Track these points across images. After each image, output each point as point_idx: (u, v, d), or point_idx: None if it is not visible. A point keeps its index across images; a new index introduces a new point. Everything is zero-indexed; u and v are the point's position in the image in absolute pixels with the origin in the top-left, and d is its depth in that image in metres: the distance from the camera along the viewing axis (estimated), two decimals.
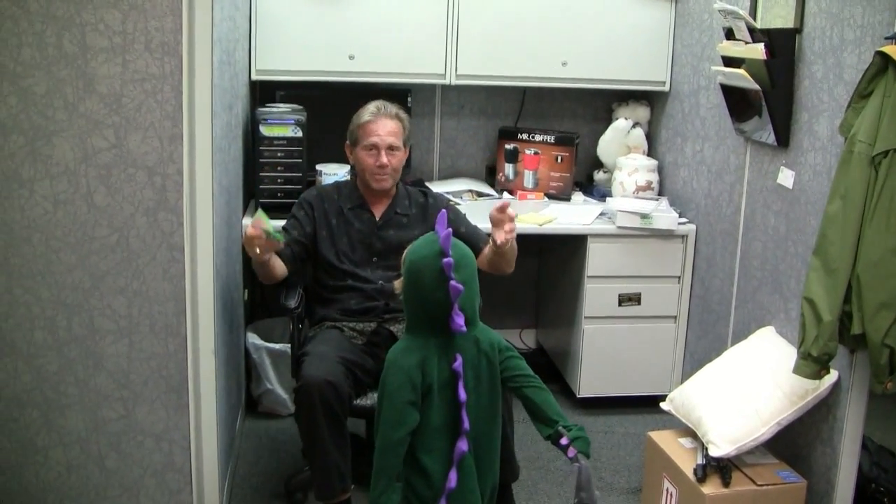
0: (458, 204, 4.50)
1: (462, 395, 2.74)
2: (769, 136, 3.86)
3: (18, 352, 3.09)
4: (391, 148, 3.83)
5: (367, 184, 3.90)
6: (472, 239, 3.86)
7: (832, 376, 3.45)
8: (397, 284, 2.89)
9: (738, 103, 4.09)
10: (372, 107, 3.89)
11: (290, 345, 3.89)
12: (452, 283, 2.66)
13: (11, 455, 3.17)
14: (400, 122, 3.89)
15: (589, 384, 4.83)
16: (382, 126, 3.83)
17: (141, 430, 3.22)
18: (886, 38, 3.11)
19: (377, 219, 3.93)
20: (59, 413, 3.16)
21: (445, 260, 2.67)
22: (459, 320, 2.69)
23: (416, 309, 2.80)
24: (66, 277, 3.06)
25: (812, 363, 3.26)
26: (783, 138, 3.80)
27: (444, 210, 2.89)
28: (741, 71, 3.87)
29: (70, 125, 2.96)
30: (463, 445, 2.75)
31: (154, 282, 3.10)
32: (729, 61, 4.06)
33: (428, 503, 2.79)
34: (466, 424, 2.75)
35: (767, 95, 3.78)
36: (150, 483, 3.28)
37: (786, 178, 3.80)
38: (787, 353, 3.58)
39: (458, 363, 2.74)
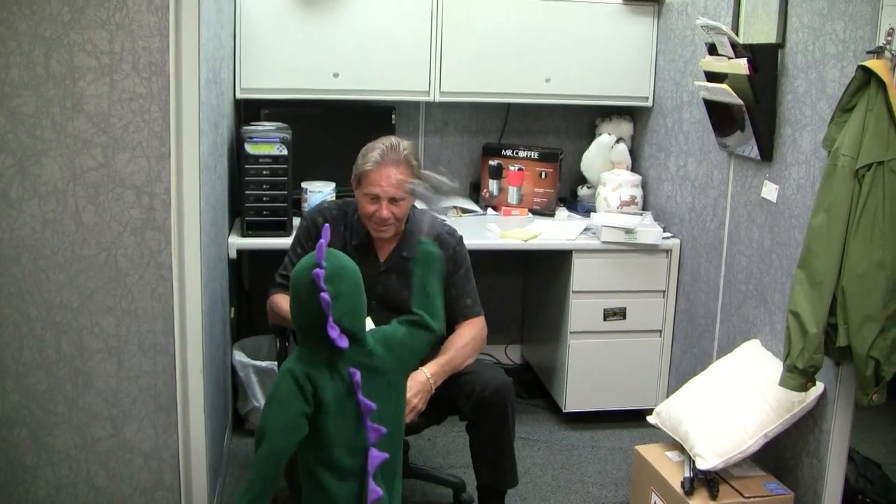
0: (443, 220, 4.46)
1: (366, 404, 2.68)
2: (752, 151, 3.89)
3: (7, 371, 3.08)
4: (393, 199, 3.52)
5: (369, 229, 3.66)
6: (452, 306, 3.65)
7: (818, 388, 3.47)
8: None
9: (721, 118, 4.12)
10: (377, 153, 3.53)
11: (276, 363, 3.89)
12: (322, 294, 2.61)
13: (0, 474, 3.16)
14: (408, 167, 3.53)
15: (575, 399, 4.84)
16: (386, 177, 3.50)
17: (130, 448, 3.22)
18: (868, 53, 3.14)
19: (381, 262, 3.69)
20: (47, 432, 3.16)
21: (315, 270, 2.62)
22: (333, 333, 2.62)
23: (298, 320, 2.73)
24: (55, 296, 3.06)
25: (798, 375, 3.28)
26: (767, 152, 3.83)
27: (326, 225, 2.82)
28: (724, 86, 3.90)
29: (58, 145, 2.96)
30: (376, 456, 2.71)
31: (142, 300, 3.11)
32: (712, 76, 4.10)
33: None
34: (381, 431, 2.71)
35: (751, 110, 3.81)
36: (140, 502, 3.27)
37: (770, 191, 3.82)
38: (773, 366, 3.61)
39: (357, 376, 2.68)
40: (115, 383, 3.16)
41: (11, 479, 3.18)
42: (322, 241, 2.64)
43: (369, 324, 2.99)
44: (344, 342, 2.64)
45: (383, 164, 3.50)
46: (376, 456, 2.71)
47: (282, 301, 3.57)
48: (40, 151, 2.96)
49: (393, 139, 3.61)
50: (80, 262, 3.05)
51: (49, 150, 2.96)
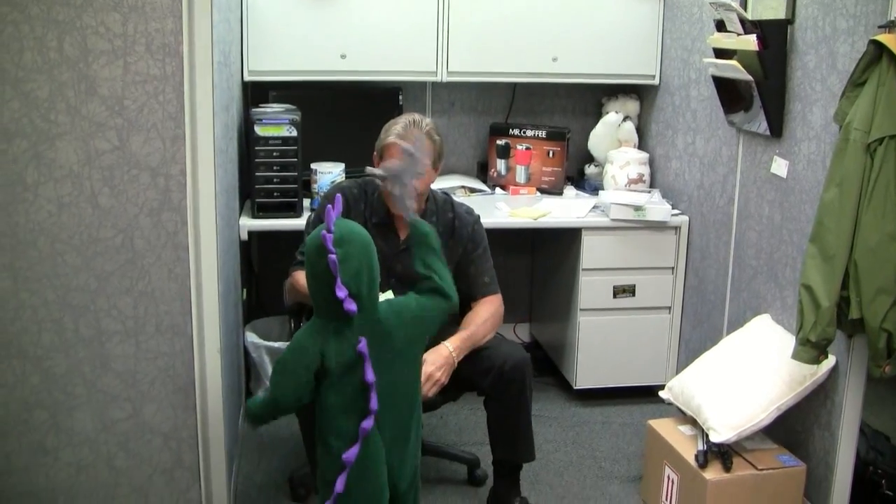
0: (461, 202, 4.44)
1: (370, 376, 2.72)
2: (762, 127, 3.90)
3: (26, 354, 3.10)
4: None
5: (389, 205, 3.64)
6: (471, 283, 3.75)
7: (830, 361, 3.50)
8: None
9: (729, 95, 4.13)
10: (399, 126, 3.58)
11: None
12: (330, 255, 2.65)
13: (21, 456, 3.18)
14: (430, 143, 3.58)
15: (585, 376, 4.87)
16: None
17: (149, 429, 3.24)
18: (880, 27, 3.14)
19: (401, 241, 3.70)
20: (67, 414, 3.18)
21: (323, 233, 2.67)
22: (341, 294, 2.65)
23: (311, 287, 2.78)
24: (72, 279, 3.07)
25: (810, 349, 3.30)
26: (776, 128, 3.84)
27: (338, 194, 2.89)
28: (733, 62, 3.90)
29: (73, 128, 2.97)
30: (367, 424, 2.73)
31: (159, 282, 3.12)
32: (720, 53, 4.10)
33: (332, 480, 2.80)
34: (374, 405, 2.73)
35: (760, 86, 3.82)
36: (159, 481, 3.29)
37: (779, 167, 3.84)
38: (785, 340, 3.63)
39: (363, 345, 2.71)
40: (133, 364, 3.17)
41: (32, 462, 3.20)
42: (330, 206, 2.69)
43: (389, 298, 3.03)
44: (352, 305, 2.68)
45: (405, 137, 3.51)
46: (365, 427, 2.73)
47: (301, 278, 3.58)
48: (55, 135, 2.97)
49: (416, 115, 3.65)
50: (96, 244, 3.06)
51: (64, 134, 2.97)
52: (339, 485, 2.76)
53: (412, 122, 3.58)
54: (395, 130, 3.56)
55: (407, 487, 2.91)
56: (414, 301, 2.90)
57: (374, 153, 3.64)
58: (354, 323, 2.73)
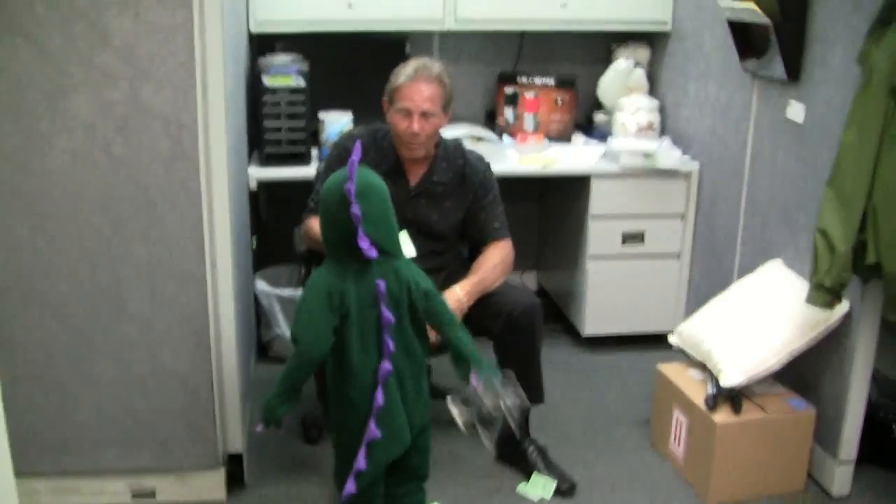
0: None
1: (387, 315, 2.79)
2: (778, 72, 3.86)
3: (44, 302, 3.15)
4: (425, 114, 3.54)
5: (397, 144, 3.67)
6: (482, 228, 3.79)
7: (844, 306, 3.50)
8: None
9: (745, 39, 4.10)
10: (410, 68, 3.57)
11: (300, 290, 3.93)
12: (353, 209, 2.70)
13: (44, 400, 3.26)
14: (440, 86, 3.57)
15: (594, 323, 4.89)
16: (418, 90, 3.52)
17: (166, 372, 3.30)
18: None
19: (412, 186, 3.72)
20: (86, 360, 3.24)
21: (346, 185, 2.71)
22: (364, 244, 2.72)
23: (328, 234, 2.84)
24: (88, 228, 3.11)
25: (825, 293, 3.31)
26: (793, 72, 3.79)
27: (358, 141, 2.90)
28: (750, 5, 3.85)
29: (86, 79, 2.99)
30: (385, 366, 2.80)
31: (173, 229, 3.15)
32: None
33: (357, 434, 2.85)
34: (391, 346, 2.80)
35: (778, 28, 3.77)
36: (177, 423, 3.37)
37: (796, 112, 3.81)
38: (797, 285, 3.64)
39: (382, 285, 2.78)
40: (149, 310, 3.22)
41: (55, 405, 3.27)
42: (353, 157, 2.72)
43: (405, 240, 3.08)
44: (373, 253, 2.74)
45: (416, 78, 3.53)
46: (385, 368, 2.81)
47: (317, 225, 3.61)
48: (68, 86, 2.98)
49: (426, 59, 3.65)
50: (111, 193, 3.09)
51: (77, 85, 2.99)
52: (374, 430, 2.84)
53: (422, 64, 3.58)
54: (406, 73, 3.56)
55: (418, 432, 2.97)
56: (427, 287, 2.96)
57: (384, 98, 3.64)
58: (374, 266, 2.79)
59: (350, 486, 2.90)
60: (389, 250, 2.83)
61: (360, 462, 2.86)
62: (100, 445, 3.36)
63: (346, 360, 2.85)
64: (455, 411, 2.89)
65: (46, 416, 3.27)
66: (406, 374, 2.90)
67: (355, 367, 2.84)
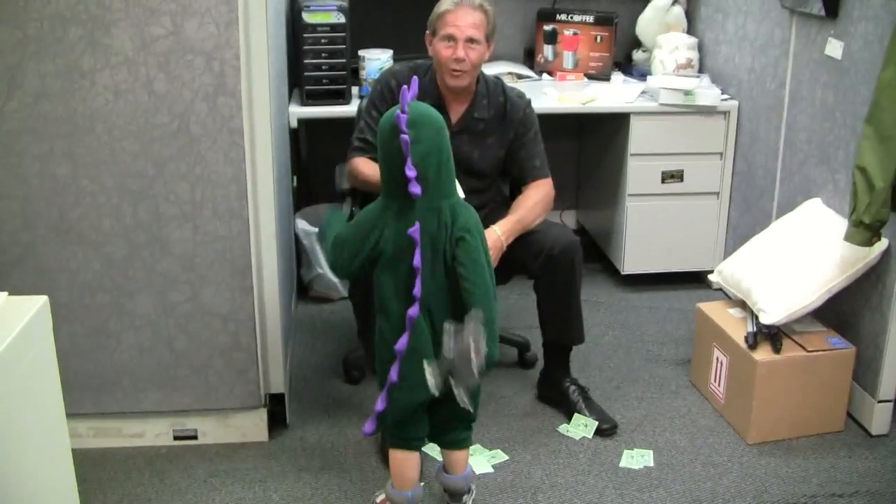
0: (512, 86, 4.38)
1: (417, 260, 2.75)
2: (817, 7, 3.82)
3: (87, 240, 3.17)
4: (470, 40, 3.52)
5: (444, 79, 3.64)
6: (522, 166, 3.76)
7: (883, 244, 3.48)
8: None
9: None
10: None
11: None
12: (402, 135, 2.67)
13: (86, 340, 3.28)
14: (484, 14, 3.56)
15: (632, 261, 4.89)
16: (463, 17, 3.51)
17: (208, 311, 3.32)
18: None
19: (453, 123, 3.66)
20: (128, 298, 3.26)
21: (397, 113, 2.69)
22: (411, 173, 2.68)
23: (381, 167, 2.83)
24: (130, 165, 3.13)
25: (864, 230, 3.30)
26: (832, 8, 3.75)
27: (415, 77, 2.87)
28: None
29: (127, 14, 2.99)
30: (413, 311, 2.77)
31: (216, 166, 3.16)
32: None
33: (386, 366, 2.86)
34: (417, 291, 2.76)
35: None
36: (219, 363, 3.38)
37: (834, 49, 3.78)
38: (836, 223, 3.63)
39: (415, 229, 2.74)
40: (191, 248, 3.24)
41: (96, 344, 3.30)
42: (405, 87, 2.70)
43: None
44: (416, 188, 2.70)
45: (461, 5, 3.52)
46: (412, 314, 2.78)
47: (361, 164, 3.62)
48: (110, 21, 2.99)
49: None
50: (153, 130, 3.11)
51: (119, 20, 2.99)
52: (393, 374, 2.84)
53: None
54: (450, 0, 3.55)
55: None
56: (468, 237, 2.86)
57: (427, 31, 3.64)
58: (416, 206, 2.75)
59: (367, 427, 2.93)
60: (438, 187, 2.78)
61: (379, 403, 2.89)
62: (141, 385, 3.39)
63: (383, 299, 2.85)
64: (428, 371, 2.86)
65: (88, 355, 3.32)
66: (441, 320, 2.82)
67: (388, 308, 2.84)
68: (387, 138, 2.73)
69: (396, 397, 2.87)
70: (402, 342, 2.79)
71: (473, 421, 3.08)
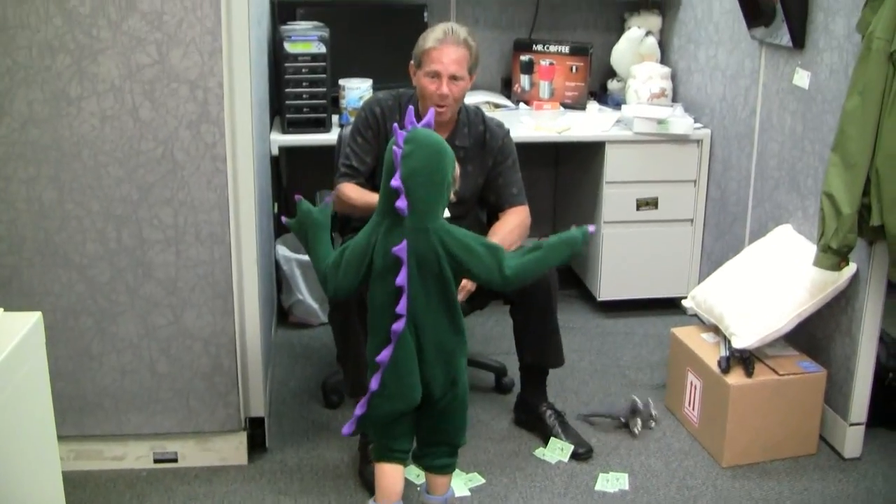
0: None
1: (400, 279, 2.80)
2: (784, 39, 3.92)
3: (71, 263, 3.22)
4: (454, 77, 3.59)
5: (423, 106, 3.66)
6: (500, 193, 3.84)
7: (851, 269, 3.56)
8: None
9: (752, 7, 4.14)
10: (439, 31, 3.62)
11: None
12: (395, 147, 2.75)
13: (69, 362, 3.31)
14: (467, 49, 3.63)
15: (609, 288, 4.95)
16: (447, 53, 3.58)
17: (189, 334, 3.36)
18: None
19: None
20: (111, 321, 3.30)
21: (396, 126, 2.78)
22: (395, 183, 2.73)
23: (381, 185, 2.87)
24: (115, 190, 3.18)
25: (832, 255, 3.37)
26: (799, 39, 3.85)
27: (410, 106, 2.96)
28: None
29: (114, 43, 3.05)
30: (396, 326, 2.83)
31: (199, 192, 3.22)
32: None
33: (370, 373, 2.94)
34: (402, 308, 2.81)
35: None
36: (200, 386, 3.42)
37: (802, 78, 3.87)
38: (806, 249, 3.70)
39: (401, 247, 2.78)
40: (174, 272, 3.28)
41: (79, 367, 3.33)
42: (411, 108, 2.86)
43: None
44: (402, 203, 2.75)
45: (445, 42, 3.59)
46: (395, 329, 2.84)
47: (348, 189, 3.69)
48: (97, 50, 3.05)
49: (453, 23, 3.70)
50: (138, 156, 3.16)
51: (105, 49, 3.05)
52: (374, 383, 2.90)
53: (450, 28, 3.63)
54: (435, 36, 3.61)
55: (441, 395, 2.99)
56: (475, 238, 2.94)
57: (411, 62, 3.70)
58: (405, 224, 2.81)
59: (346, 428, 3.02)
60: (425, 209, 2.82)
61: (358, 408, 2.96)
62: (123, 408, 3.43)
63: (373, 309, 2.93)
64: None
65: (70, 377, 3.35)
66: (428, 338, 2.91)
67: (375, 319, 2.91)
68: (386, 153, 2.82)
69: (375, 404, 2.93)
70: (384, 354, 2.86)
71: (457, 447, 3.14)
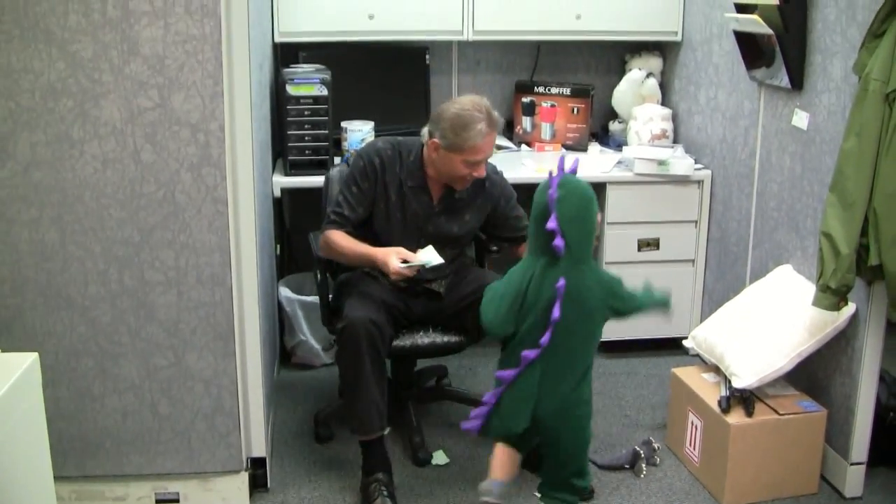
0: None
1: (556, 313, 2.98)
2: (783, 80, 3.95)
3: (73, 304, 3.24)
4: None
5: (441, 177, 3.75)
6: (514, 228, 3.95)
7: (850, 308, 3.57)
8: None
9: (751, 49, 4.18)
10: (483, 125, 3.59)
11: (319, 296, 4.00)
12: (550, 191, 2.96)
13: (70, 403, 3.33)
14: (497, 126, 3.71)
15: (610, 328, 4.79)
16: (489, 143, 3.66)
17: (191, 376, 3.37)
18: None
19: (435, 203, 3.82)
20: (113, 362, 3.32)
21: (550, 172, 3.02)
22: (552, 225, 2.95)
23: (530, 227, 3.13)
24: (117, 232, 3.20)
25: (831, 295, 3.38)
26: (797, 81, 3.89)
27: (576, 157, 3.20)
28: (754, 16, 3.95)
29: (116, 87, 3.09)
30: (530, 354, 3.03)
31: (200, 234, 3.24)
32: (742, 8, 4.15)
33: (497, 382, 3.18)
34: (545, 340, 3.01)
35: (781, 40, 3.87)
36: (201, 427, 3.43)
37: (800, 119, 3.90)
38: (806, 289, 3.70)
39: (561, 283, 2.98)
40: (175, 314, 3.30)
41: (80, 408, 3.34)
42: (563, 156, 3.13)
43: (431, 251, 3.47)
44: (560, 242, 2.96)
45: (488, 133, 3.63)
46: (529, 355, 3.06)
47: (337, 237, 3.72)
48: (99, 94, 3.09)
49: (482, 103, 3.67)
50: (139, 198, 3.19)
51: (108, 93, 3.09)
52: (491, 397, 3.18)
53: (488, 114, 3.64)
54: (481, 130, 3.59)
55: (551, 427, 3.19)
56: (616, 279, 3.25)
57: (436, 139, 3.66)
58: (560, 264, 3.01)
59: (471, 423, 3.27)
60: (578, 252, 3.05)
61: (477, 409, 3.25)
62: (124, 449, 3.43)
63: (515, 336, 3.14)
64: None
65: (72, 418, 3.36)
66: (554, 372, 3.10)
67: (515, 348, 3.11)
68: (538, 197, 3.05)
69: (493, 423, 3.21)
70: (508, 373, 3.08)
71: (580, 495, 3.35)
